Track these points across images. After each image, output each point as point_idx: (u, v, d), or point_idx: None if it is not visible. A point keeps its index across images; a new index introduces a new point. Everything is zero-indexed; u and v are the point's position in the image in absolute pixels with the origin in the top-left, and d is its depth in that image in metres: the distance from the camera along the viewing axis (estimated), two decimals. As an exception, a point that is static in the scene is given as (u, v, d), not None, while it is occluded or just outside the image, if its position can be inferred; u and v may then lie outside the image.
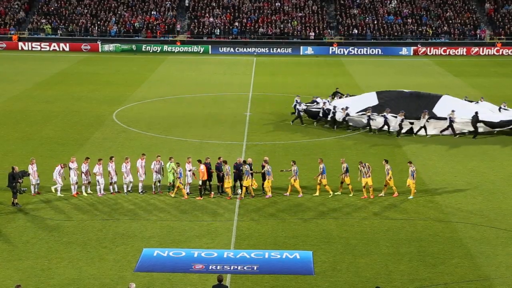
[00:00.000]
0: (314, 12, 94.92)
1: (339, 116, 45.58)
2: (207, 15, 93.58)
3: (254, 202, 31.25)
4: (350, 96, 50.70)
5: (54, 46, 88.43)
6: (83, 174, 31.91)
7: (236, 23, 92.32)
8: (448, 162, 38.36)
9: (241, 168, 31.93)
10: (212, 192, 32.09)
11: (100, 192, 32.02)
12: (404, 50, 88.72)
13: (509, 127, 44.24)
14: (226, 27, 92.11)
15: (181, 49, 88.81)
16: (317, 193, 32.20)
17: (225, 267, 24.47)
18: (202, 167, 31.68)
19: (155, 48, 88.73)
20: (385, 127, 44.42)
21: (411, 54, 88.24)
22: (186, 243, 26.63)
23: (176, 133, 44.39)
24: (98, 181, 31.90)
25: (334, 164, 35.08)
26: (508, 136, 44.02)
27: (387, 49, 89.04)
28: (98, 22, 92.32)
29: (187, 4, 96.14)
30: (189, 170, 32.08)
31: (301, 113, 47.14)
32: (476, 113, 43.95)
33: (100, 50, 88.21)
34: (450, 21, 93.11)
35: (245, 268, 24.43)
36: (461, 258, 25.39)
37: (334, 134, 44.68)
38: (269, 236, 27.45)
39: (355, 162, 33.94)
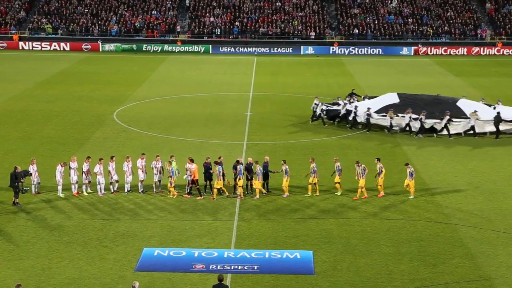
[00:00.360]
0: (314, 12, 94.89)
1: (361, 117, 45.33)
2: (207, 14, 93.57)
3: (255, 202, 31.27)
4: (369, 97, 50.05)
5: (55, 46, 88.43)
6: (83, 174, 31.94)
7: (237, 23, 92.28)
8: (449, 162, 38.34)
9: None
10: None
11: (100, 191, 32.04)
12: (404, 50, 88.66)
13: None
14: (227, 26, 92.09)
15: (182, 48, 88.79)
16: (309, 193, 32.18)
17: (225, 266, 24.47)
18: (194, 166, 31.65)
19: (155, 48, 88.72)
20: (407, 128, 44.20)
21: (412, 54, 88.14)
22: (187, 242, 26.63)
23: (177, 133, 44.39)
24: (99, 181, 31.93)
25: (333, 164, 34.98)
26: (509, 136, 44.04)
27: (388, 49, 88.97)
28: (99, 22, 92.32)
29: (187, 4, 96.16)
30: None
31: (322, 114, 46.87)
32: (498, 113, 43.85)
33: (100, 50, 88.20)
34: (451, 21, 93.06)
35: (245, 267, 24.44)
36: (462, 258, 25.39)
37: (334, 134, 44.67)
38: (269, 235, 27.45)
39: (355, 162, 33.89)
